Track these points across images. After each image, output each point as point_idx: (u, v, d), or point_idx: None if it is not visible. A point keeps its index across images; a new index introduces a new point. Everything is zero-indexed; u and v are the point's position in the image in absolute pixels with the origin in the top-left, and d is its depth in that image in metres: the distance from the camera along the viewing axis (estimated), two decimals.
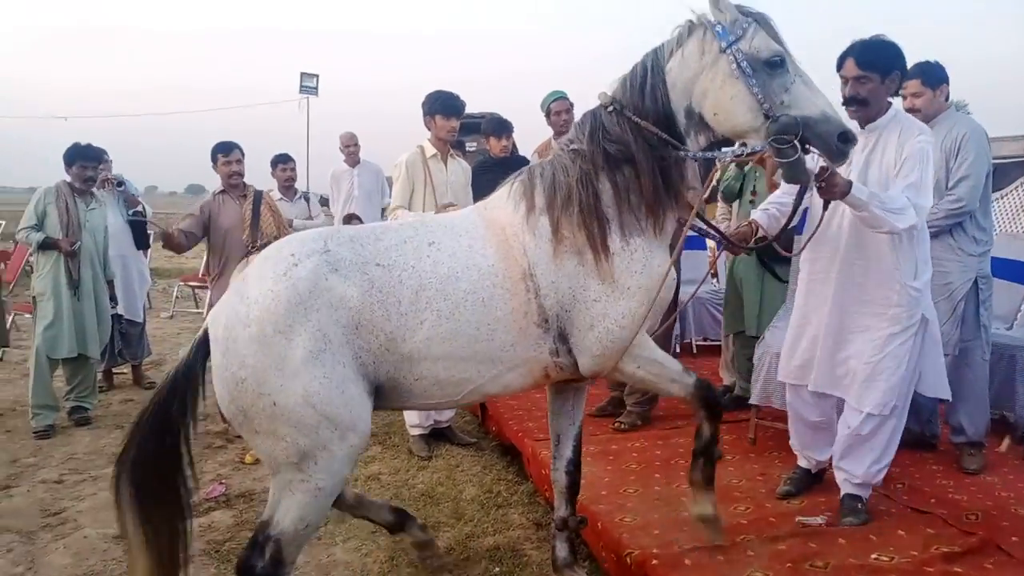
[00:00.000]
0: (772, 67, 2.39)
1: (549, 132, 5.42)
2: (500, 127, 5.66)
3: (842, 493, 3.18)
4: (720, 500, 3.24)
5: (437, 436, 4.70)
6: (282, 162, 6.86)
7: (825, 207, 2.92)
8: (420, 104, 4.68)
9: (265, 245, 4.93)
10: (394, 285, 2.37)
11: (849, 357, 3.11)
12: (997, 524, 3.02)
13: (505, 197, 2.65)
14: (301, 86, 22.48)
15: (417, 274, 2.40)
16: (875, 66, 3.01)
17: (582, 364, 2.55)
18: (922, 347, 3.08)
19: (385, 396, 2.45)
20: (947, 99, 3.85)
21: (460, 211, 2.89)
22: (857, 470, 3.10)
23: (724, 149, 2.58)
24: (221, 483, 4.19)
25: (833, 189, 2.66)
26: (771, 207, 3.14)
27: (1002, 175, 6.48)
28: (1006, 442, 4.00)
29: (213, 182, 5.35)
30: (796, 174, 2.46)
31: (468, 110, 4.85)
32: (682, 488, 3.44)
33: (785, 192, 3.14)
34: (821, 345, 3.16)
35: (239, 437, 4.98)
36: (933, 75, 3.76)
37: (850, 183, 2.69)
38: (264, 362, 2.22)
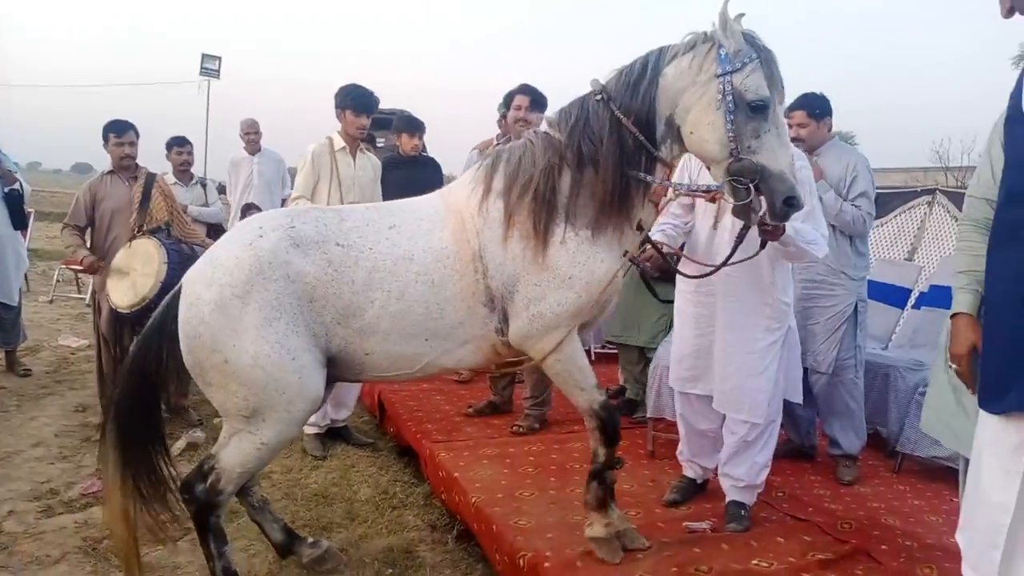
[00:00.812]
0: (753, 110, 2.43)
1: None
2: (412, 125, 5.63)
3: (728, 499, 3.30)
4: None
5: (333, 436, 4.59)
6: (178, 145, 6.55)
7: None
8: (332, 95, 4.59)
9: (155, 230, 4.75)
10: (350, 265, 2.53)
11: (732, 369, 3.20)
12: (868, 533, 3.20)
13: (468, 180, 2.72)
14: (202, 68, 21.72)
15: (374, 255, 2.55)
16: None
17: (511, 333, 2.65)
18: (789, 354, 3.28)
19: (339, 367, 2.64)
20: (830, 130, 4.06)
21: (428, 195, 2.92)
22: (741, 473, 3.24)
23: (677, 182, 2.73)
24: (100, 478, 3.96)
25: (776, 233, 2.72)
26: (666, 227, 3.23)
27: (883, 204, 6.88)
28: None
29: (102, 162, 5.09)
30: (744, 214, 2.51)
31: (380, 106, 4.77)
32: (576, 492, 3.49)
33: (674, 214, 3.26)
34: (718, 366, 3.25)
35: None
36: (818, 107, 3.96)
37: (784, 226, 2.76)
38: (220, 322, 2.44)
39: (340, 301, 2.52)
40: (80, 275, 9.82)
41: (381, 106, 4.90)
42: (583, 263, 2.58)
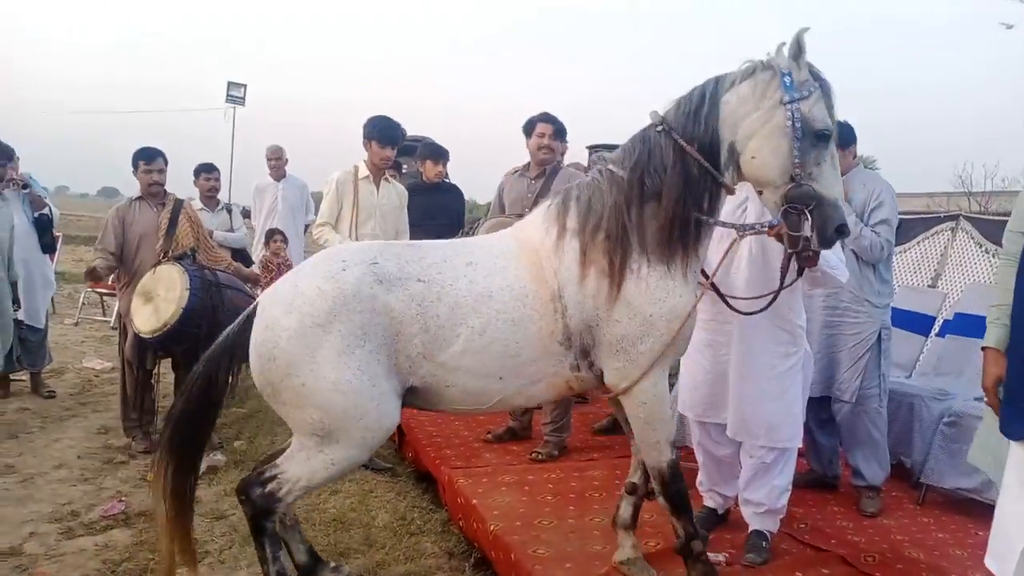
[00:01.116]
0: (819, 139, 2.51)
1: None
2: (436, 153, 5.71)
3: (750, 528, 3.28)
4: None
5: None
6: (206, 171, 6.68)
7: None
8: (361, 125, 4.67)
9: (181, 256, 4.82)
10: (432, 300, 2.57)
11: (758, 400, 3.18)
12: (892, 566, 3.14)
13: (540, 219, 2.77)
14: (228, 95, 22.12)
15: (455, 291, 2.60)
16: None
17: (606, 375, 2.71)
18: (805, 378, 3.29)
19: (418, 396, 2.69)
20: (855, 157, 4.07)
21: (499, 232, 2.98)
22: (761, 497, 3.22)
23: (737, 223, 2.79)
24: (121, 500, 4.01)
25: (816, 259, 2.71)
26: None
27: (905, 230, 6.83)
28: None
29: (129, 186, 5.21)
30: (796, 243, 2.54)
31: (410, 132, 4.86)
32: (595, 521, 3.48)
33: None
34: (733, 392, 3.23)
35: (144, 452, 4.79)
36: (843, 136, 3.90)
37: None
38: (298, 348, 2.48)
39: (426, 335, 2.56)
40: (105, 298, 9.97)
41: (407, 132, 4.99)
42: (662, 299, 2.61)
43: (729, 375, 3.24)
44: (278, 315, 2.55)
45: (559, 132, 4.71)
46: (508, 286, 2.63)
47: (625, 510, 2.98)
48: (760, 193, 2.68)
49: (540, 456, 4.39)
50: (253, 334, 2.60)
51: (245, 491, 2.69)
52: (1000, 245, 6.86)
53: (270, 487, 2.63)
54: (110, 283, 9.44)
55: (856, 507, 3.85)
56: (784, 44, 2.55)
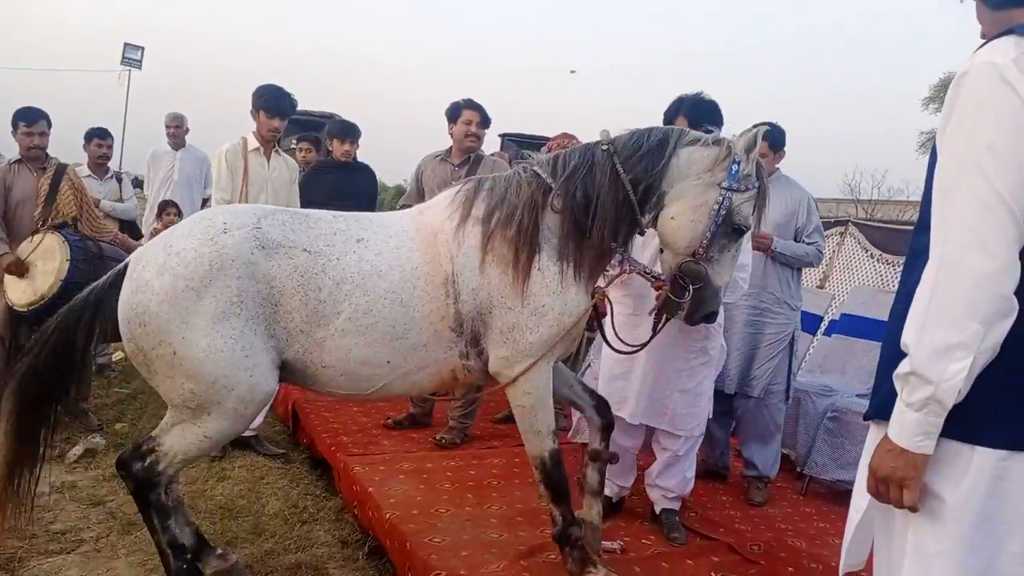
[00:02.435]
0: (734, 231, 2.62)
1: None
2: (344, 131, 5.54)
3: (659, 508, 3.43)
4: (529, 523, 3.35)
5: (242, 445, 4.43)
6: (99, 137, 6.28)
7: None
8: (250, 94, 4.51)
9: (62, 225, 4.52)
10: (316, 273, 2.50)
11: (665, 388, 3.31)
12: (776, 555, 3.26)
13: (444, 204, 2.72)
14: (124, 57, 20.92)
15: (341, 266, 2.53)
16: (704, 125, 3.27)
17: (491, 361, 2.67)
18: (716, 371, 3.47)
19: (291, 373, 2.60)
20: (779, 161, 4.17)
21: (396, 213, 2.94)
22: (673, 486, 3.40)
23: (636, 260, 2.87)
24: None
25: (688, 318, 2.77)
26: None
27: None
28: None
29: (9, 148, 4.82)
30: (672, 309, 2.72)
31: (311, 107, 4.71)
32: (493, 510, 3.48)
33: None
34: (642, 380, 3.32)
35: None
36: (776, 140, 4.06)
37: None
38: (169, 313, 2.37)
39: (306, 308, 2.49)
40: None
41: (313, 108, 4.84)
42: (557, 292, 2.62)
43: (642, 367, 3.30)
44: (149, 277, 2.42)
45: (485, 120, 4.68)
46: (399, 266, 2.59)
47: (592, 476, 2.96)
48: (662, 250, 2.77)
49: (444, 441, 4.35)
50: (122, 297, 2.47)
51: (125, 466, 2.59)
52: (885, 251, 7.24)
53: (149, 460, 2.54)
54: None
55: (744, 497, 3.99)
56: (753, 129, 2.63)
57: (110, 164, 6.57)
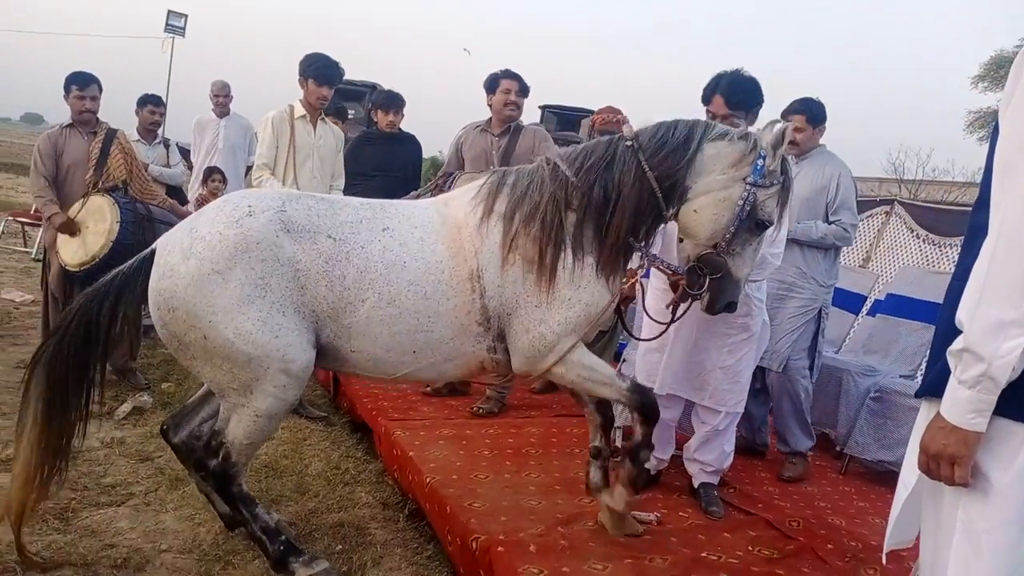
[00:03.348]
0: (757, 226, 2.61)
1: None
2: (390, 101, 5.55)
3: (697, 483, 3.44)
4: (566, 491, 3.37)
5: None
6: (153, 103, 6.41)
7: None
8: (298, 62, 4.53)
9: (112, 188, 4.61)
10: (340, 260, 2.50)
11: (705, 364, 3.31)
12: (815, 532, 3.25)
13: (468, 197, 2.72)
14: (167, 24, 21.09)
15: (365, 255, 2.53)
16: (740, 105, 3.23)
17: (514, 363, 2.70)
18: (758, 345, 3.45)
19: (323, 357, 2.62)
20: (821, 136, 4.10)
21: (421, 202, 2.94)
22: (711, 460, 3.40)
23: (655, 255, 2.85)
24: None
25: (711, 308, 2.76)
26: None
27: None
28: None
29: (55, 112, 4.94)
30: (685, 297, 2.76)
31: (358, 77, 4.73)
32: (531, 477, 3.51)
33: None
34: (679, 354, 3.32)
35: None
36: (816, 114, 4.00)
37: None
38: (196, 297, 2.39)
39: (331, 294, 2.50)
40: (27, 228, 9.51)
41: (356, 77, 4.86)
42: (583, 286, 2.62)
43: (682, 342, 3.30)
44: (175, 262, 2.43)
45: (523, 89, 4.66)
46: (423, 258, 2.58)
47: (595, 475, 2.99)
48: (680, 240, 2.75)
49: (481, 411, 4.39)
50: (150, 284, 2.49)
51: (202, 467, 2.68)
52: (932, 232, 7.11)
53: (222, 453, 2.61)
54: (32, 212, 9.04)
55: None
56: (775, 123, 2.60)
57: (159, 131, 6.66)
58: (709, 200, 2.59)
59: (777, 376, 4.05)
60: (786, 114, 3.97)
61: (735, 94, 3.24)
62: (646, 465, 3.52)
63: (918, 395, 1.72)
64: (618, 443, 3.20)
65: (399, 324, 2.55)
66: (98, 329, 2.53)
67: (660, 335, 2.95)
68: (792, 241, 3.88)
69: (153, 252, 2.55)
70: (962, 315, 1.49)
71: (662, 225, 2.79)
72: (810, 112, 3.98)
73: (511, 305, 2.61)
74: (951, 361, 1.51)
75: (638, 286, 3.16)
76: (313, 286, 2.48)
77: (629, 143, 2.62)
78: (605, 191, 2.60)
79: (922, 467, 1.60)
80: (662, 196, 2.60)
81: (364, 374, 2.76)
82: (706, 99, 3.33)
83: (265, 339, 2.42)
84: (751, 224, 2.59)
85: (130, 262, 2.59)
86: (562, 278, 2.59)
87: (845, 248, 7.62)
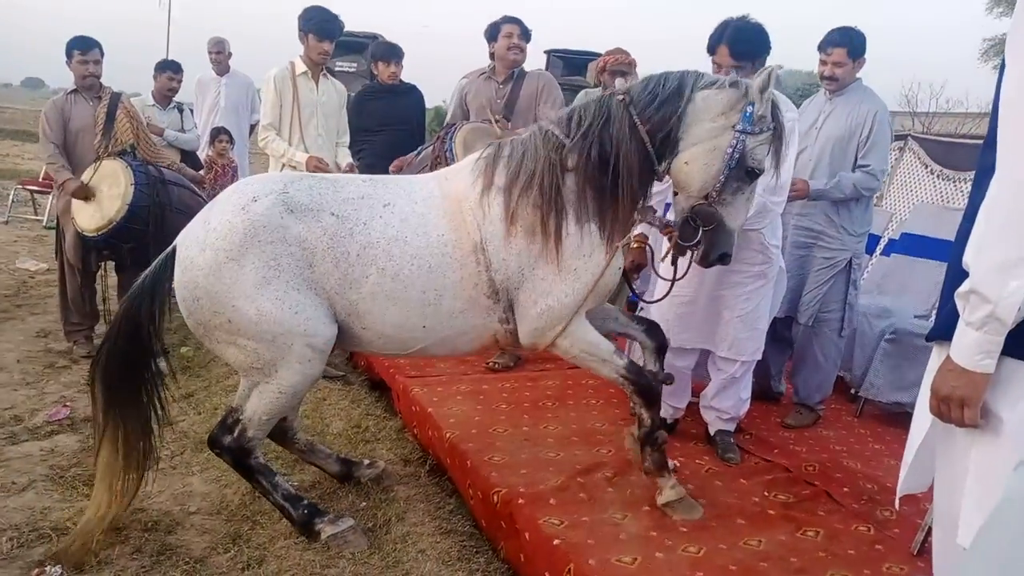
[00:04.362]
0: (748, 174, 2.57)
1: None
2: (390, 52, 5.45)
3: (713, 431, 3.50)
4: (584, 442, 3.42)
5: None
6: (172, 70, 6.38)
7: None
8: (296, 17, 4.46)
9: (121, 152, 4.59)
10: (344, 236, 2.56)
11: (723, 314, 3.33)
12: (831, 475, 3.29)
13: (468, 169, 2.72)
14: None
15: (367, 231, 2.58)
16: (745, 55, 3.16)
17: (522, 334, 2.72)
18: (775, 291, 3.45)
19: (339, 337, 2.67)
20: (860, 69, 3.85)
21: (422, 176, 2.93)
22: (728, 407, 3.44)
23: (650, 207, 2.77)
24: (66, 406, 3.92)
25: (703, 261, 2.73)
26: None
27: None
28: None
29: (56, 77, 4.90)
30: (681, 250, 2.71)
31: (357, 28, 4.65)
32: (549, 429, 3.56)
33: None
34: (702, 307, 3.34)
35: (86, 357, 4.68)
36: (857, 46, 3.75)
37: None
38: (216, 286, 2.50)
39: (338, 271, 2.57)
40: (36, 195, 9.52)
41: (354, 28, 4.79)
42: (588, 255, 2.61)
43: (705, 296, 3.32)
44: (194, 255, 2.56)
45: (525, 33, 4.59)
46: (425, 233, 2.61)
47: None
48: (675, 193, 2.73)
49: (497, 365, 4.43)
50: (175, 280, 2.61)
51: (217, 442, 2.75)
52: (946, 166, 6.95)
53: (237, 430, 2.70)
54: (42, 179, 9.04)
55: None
56: (767, 69, 2.53)
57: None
58: (699, 151, 2.55)
59: (805, 329, 3.97)
60: (824, 46, 3.76)
61: (739, 43, 3.16)
62: (662, 414, 3.59)
63: (929, 339, 1.72)
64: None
65: (404, 298, 2.60)
66: (143, 330, 2.66)
67: (667, 294, 2.91)
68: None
69: (175, 248, 2.65)
70: (968, 256, 1.49)
71: (656, 182, 2.75)
72: (851, 44, 3.72)
73: (517, 277, 2.63)
74: (959, 303, 1.51)
75: (647, 250, 3.13)
76: (320, 263, 2.56)
77: (621, 98, 2.59)
78: (602, 151, 2.57)
79: (933, 410, 1.61)
80: (654, 150, 2.58)
81: (379, 351, 2.86)
82: (711, 49, 3.26)
83: (286, 316, 2.51)
84: (741, 172, 2.54)
85: (155, 262, 2.70)
86: (568, 247, 2.59)
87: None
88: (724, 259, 2.66)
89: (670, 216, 2.91)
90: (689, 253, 2.70)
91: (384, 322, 2.64)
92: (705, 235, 2.60)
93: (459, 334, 2.73)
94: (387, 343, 2.73)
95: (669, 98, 2.55)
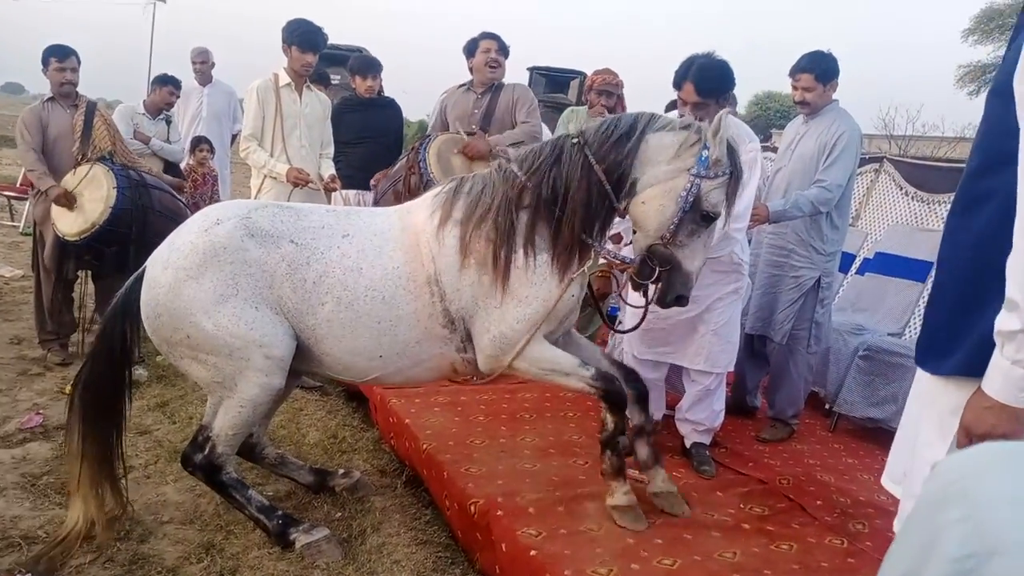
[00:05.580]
0: (703, 218, 2.59)
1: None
2: (367, 66, 5.49)
3: (689, 443, 3.52)
4: (561, 454, 3.43)
5: None
6: (172, 84, 6.41)
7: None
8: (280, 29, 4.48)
9: (100, 159, 4.57)
10: (302, 264, 2.64)
11: (699, 328, 3.38)
12: (804, 489, 3.33)
13: (428, 203, 2.77)
14: None
15: (325, 260, 2.65)
16: (710, 92, 3.21)
17: (479, 361, 2.77)
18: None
19: (303, 359, 2.76)
20: (834, 91, 3.89)
21: (387, 209, 3.00)
22: (703, 418, 3.48)
23: (607, 247, 2.84)
24: (39, 413, 3.87)
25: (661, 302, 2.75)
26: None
27: None
28: None
29: (36, 83, 4.88)
30: (636, 287, 2.77)
31: (342, 41, 4.68)
32: (526, 441, 3.56)
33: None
34: (673, 320, 3.34)
35: (60, 364, 4.63)
36: (825, 70, 3.80)
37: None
38: (176, 302, 2.58)
39: (295, 296, 2.65)
40: (13, 202, 9.43)
41: (338, 42, 4.81)
42: (538, 284, 2.65)
43: (673, 313, 3.30)
44: (157, 274, 2.65)
45: (503, 48, 4.66)
46: (380, 264, 2.67)
47: (641, 451, 3.00)
48: (634, 232, 2.77)
49: (474, 377, 4.41)
50: (141, 299, 2.69)
51: (188, 461, 2.79)
52: (920, 188, 7.04)
53: (207, 448, 2.75)
54: (19, 185, 8.96)
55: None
56: (720, 111, 2.58)
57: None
58: (655, 192, 2.59)
59: (779, 348, 4.03)
60: (793, 72, 3.84)
61: (704, 80, 3.20)
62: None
63: (940, 373, 1.67)
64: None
65: (360, 328, 2.66)
66: (117, 346, 2.76)
67: (641, 321, 2.94)
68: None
69: (143, 269, 2.73)
70: (1014, 293, 1.42)
71: (613, 220, 2.79)
72: (818, 69, 3.78)
73: (471, 307, 2.67)
74: (1000, 339, 1.46)
75: (612, 280, 3.18)
76: (279, 286, 2.64)
77: (576, 140, 2.64)
78: (554, 188, 2.62)
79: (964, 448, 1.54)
80: (611, 189, 2.62)
81: (339, 377, 2.91)
82: (677, 84, 3.31)
83: (242, 330, 2.58)
84: (696, 216, 2.57)
85: (127, 283, 2.78)
86: (516, 277, 2.63)
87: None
88: (680, 301, 2.67)
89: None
90: (652, 288, 2.73)
91: (341, 349, 2.70)
92: (662, 275, 2.64)
93: (415, 363, 2.78)
94: (345, 369, 2.79)
95: (621, 139, 2.60)
